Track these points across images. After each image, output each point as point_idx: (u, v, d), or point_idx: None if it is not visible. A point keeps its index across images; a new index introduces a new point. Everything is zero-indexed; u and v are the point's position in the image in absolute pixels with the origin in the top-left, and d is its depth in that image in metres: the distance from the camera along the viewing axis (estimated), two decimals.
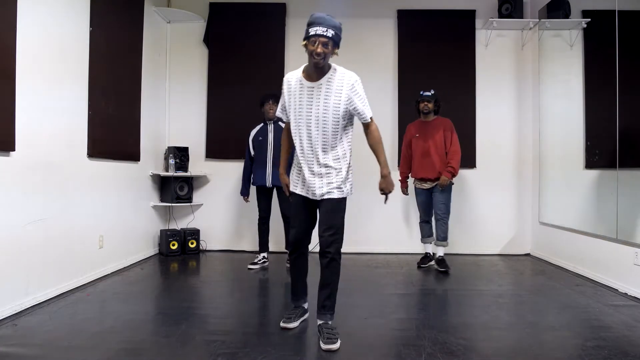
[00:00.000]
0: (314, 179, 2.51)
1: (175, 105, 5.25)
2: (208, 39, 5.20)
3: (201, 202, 5.18)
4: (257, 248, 4.46)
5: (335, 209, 2.49)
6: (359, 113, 2.50)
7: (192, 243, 4.89)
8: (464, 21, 5.14)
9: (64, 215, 3.26)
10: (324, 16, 2.37)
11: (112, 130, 3.94)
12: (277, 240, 4.64)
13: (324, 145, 2.49)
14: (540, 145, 4.88)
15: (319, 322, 2.51)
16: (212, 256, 4.88)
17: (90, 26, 3.57)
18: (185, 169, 4.94)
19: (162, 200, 4.97)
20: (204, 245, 5.06)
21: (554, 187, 4.64)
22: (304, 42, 2.40)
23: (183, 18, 5.13)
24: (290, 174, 2.69)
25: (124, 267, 4.12)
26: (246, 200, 4.42)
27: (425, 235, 4.39)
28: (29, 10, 2.86)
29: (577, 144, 4.14)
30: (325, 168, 2.49)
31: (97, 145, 3.66)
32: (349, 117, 2.54)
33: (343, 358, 2.25)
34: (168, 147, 5.02)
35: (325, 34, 2.33)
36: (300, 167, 2.57)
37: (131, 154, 4.34)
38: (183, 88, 5.24)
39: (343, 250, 2.53)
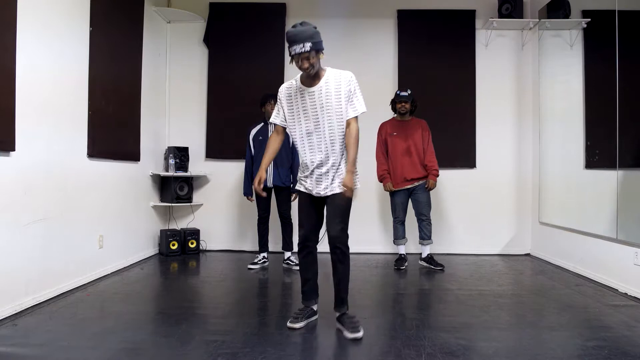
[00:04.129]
0: (322, 177, 2.58)
1: (175, 105, 5.25)
2: (208, 39, 5.20)
3: (201, 202, 5.18)
4: (257, 248, 4.46)
5: (341, 203, 2.58)
6: (353, 107, 2.53)
7: (192, 243, 4.89)
8: (464, 21, 5.14)
9: (64, 215, 3.26)
10: (296, 32, 2.38)
11: (112, 130, 3.94)
12: (277, 240, 4.64)
13: (332, 143, 2.55)
14: (540, 145, 4.88)
15: (338, 313, 2.63)
16: (212, 256, 4.88)
17: (90, 26, 3.57)
18: (185, 169, 4.94)
19: (162, 200, 4.97)
20: (204, 245, 5.06)
21: (554, 187, 4.64)
22: (291, 62, 2.46)
23: (183, 18, 5.14)
24: (298, 174, 2.75)
25: (124, 267, 4.12)
26: (250, 200, 4.41)
27: (401, 237, 4.37)
28: (29, 10, 2.86)
29: (577, 144, 4.14)
30: (332, 167, 2.57)
31: (97, 145, 3.66)
32: None
33: (343, 358, 2.25)
34: (168, 147, 5.02)
35: (303, 50, 2.36)
36: (307, 167, 2.62)
37: (131, 154, 4.34)
38: (183, 88, 5.24)
39: None
